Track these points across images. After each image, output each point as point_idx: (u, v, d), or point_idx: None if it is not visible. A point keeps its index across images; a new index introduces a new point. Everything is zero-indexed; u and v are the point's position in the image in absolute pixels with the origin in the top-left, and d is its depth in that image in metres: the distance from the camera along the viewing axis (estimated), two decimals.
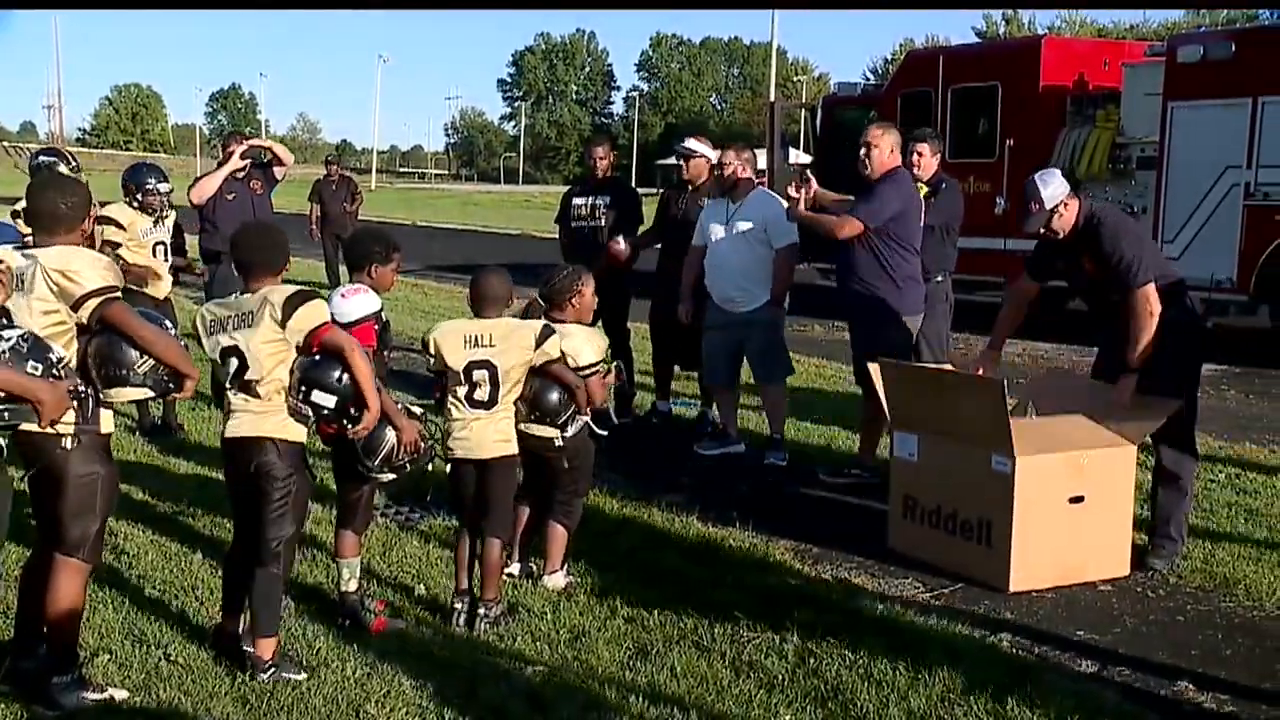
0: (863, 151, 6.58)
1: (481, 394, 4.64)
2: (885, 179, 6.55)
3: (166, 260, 7.66)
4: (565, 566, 5.14)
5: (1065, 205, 5.36)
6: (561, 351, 4.70)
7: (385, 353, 4.69)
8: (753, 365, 7.40)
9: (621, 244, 7.82)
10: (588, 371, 4.86)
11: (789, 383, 7.78)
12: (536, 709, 3.92)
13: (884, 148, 6.57)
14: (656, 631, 4.54)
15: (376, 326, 4.54)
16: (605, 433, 5.19)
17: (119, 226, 7.41)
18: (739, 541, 5.73)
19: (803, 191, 6.62)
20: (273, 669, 4.10)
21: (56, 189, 3.92)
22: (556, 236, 8.72)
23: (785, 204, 6.76)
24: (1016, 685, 4.11)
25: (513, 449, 4.71)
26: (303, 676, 4.10)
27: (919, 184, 6.86)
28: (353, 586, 4.67)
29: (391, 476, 4.56)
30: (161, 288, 7.64)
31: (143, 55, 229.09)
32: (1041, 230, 5.42)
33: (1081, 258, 5.44)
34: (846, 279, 6.70)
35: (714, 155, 7.78)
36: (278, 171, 8.53)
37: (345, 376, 4.06)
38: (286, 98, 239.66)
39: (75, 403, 3.38)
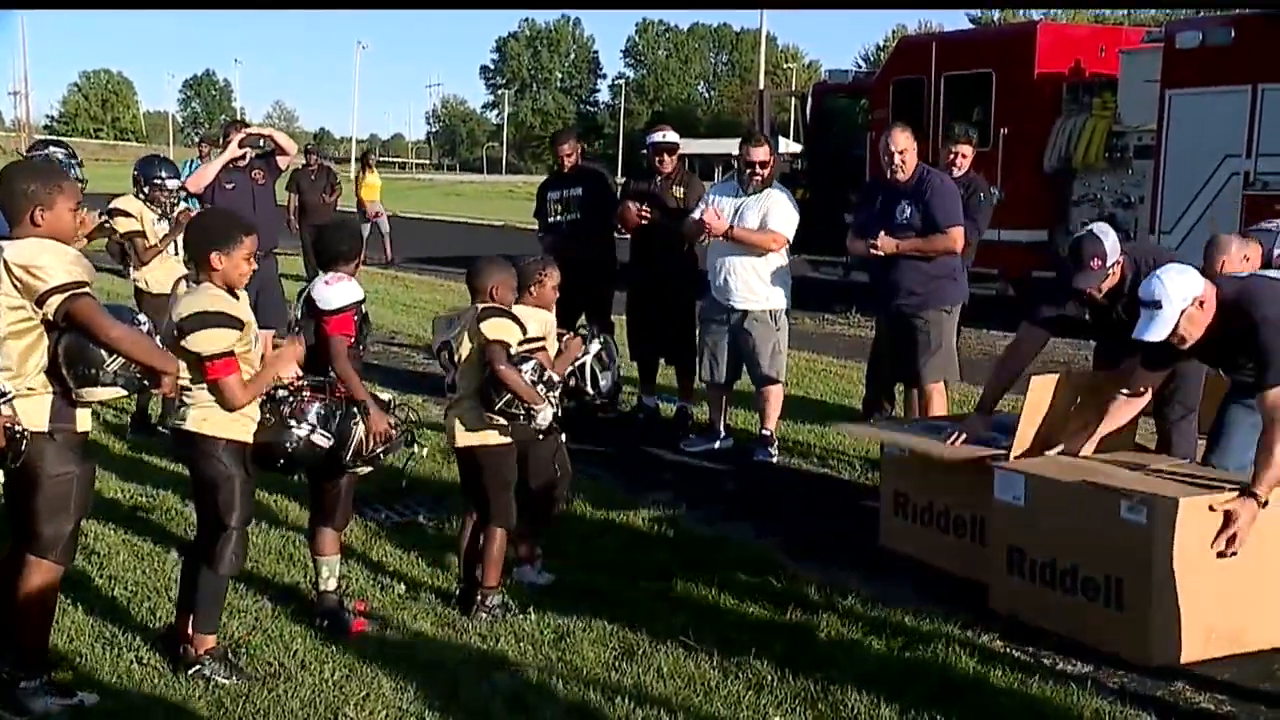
0: (896, 160, 6.71)
1: (449, 377, 4.77)
2: (932, 180, 6.79)
3: (177, 254, 7.66)
4: (538, 563, 5.19)
5: (1119, 264, 5.11)
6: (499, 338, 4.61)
7: (361, 345, 4.71)
8: (749, 366, 7.41)
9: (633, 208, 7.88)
10: (531, 345, 4.85)
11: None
12: (520, 711, 3.91)
13: (912, 150, 6.77)
14: (643, 631, 4.54)
15: (356, 318, 4.55)
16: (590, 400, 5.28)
17: (128, 216, 7.44)
18: (727, 540, 5.73)
19: (886, 241, 6.68)
20: (197, 666, 4.09)
21: (4, 178, 3.80)
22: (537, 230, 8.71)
23: (876, 250, 6.73)
24: (1009, 685, 4.14)
25: (477, 440, 4.72)
26: (228, 681, 4.06)
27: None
28: (331, 585, 4.66)
29: (368, 469, 4.58)
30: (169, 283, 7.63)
31: (112, 40, 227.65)
32: (1087, 290, 5.09)
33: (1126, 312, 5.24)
34: (900, 282, 6.73)
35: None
36: (281, 161, 8.37)
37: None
38: (262, 85, 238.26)
39: (4, 440, 3.37)
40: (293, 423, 4.19)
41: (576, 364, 5.33)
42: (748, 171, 7.28)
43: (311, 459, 4.30)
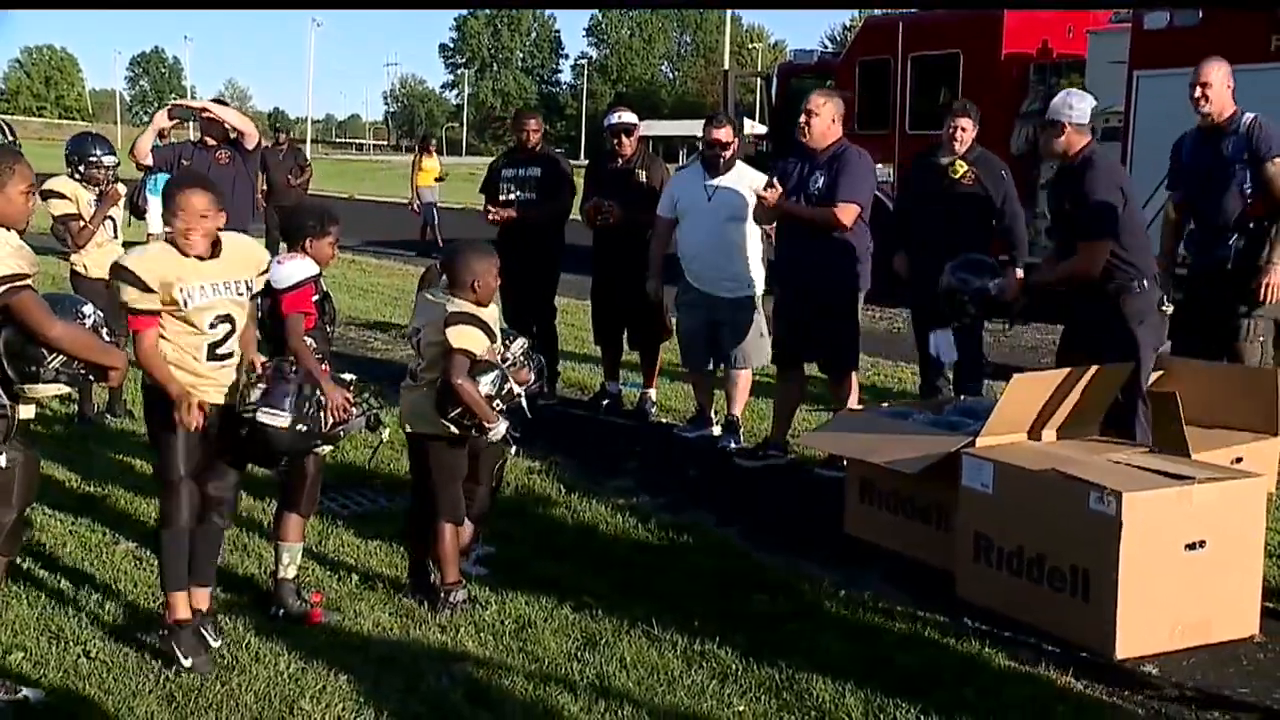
0: (802, 119, 6.62)
1: (414, 363, 4.75)
2: (848, 154, 6.64)
3: (116, 237, 7.52)
4: (473, 555, 5.15)
5: (1064, 129, 5.55)
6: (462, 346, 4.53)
7: (328, 326, 4.69)
8: (726, 348, 7.40)
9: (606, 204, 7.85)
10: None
11: None
12: (480, 703, 3.91)
13: (825, 116, 6.63)
14: (605, 621, 4.55)
15: (316, 295, 4.54)
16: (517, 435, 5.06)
17: (62, 198, 7.30)
18: (690, 528, 5.74)
19: (772, 191, 6.55)
20: (164, 633, 4.15)
21: None
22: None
23: (762, 198, 6.63)
24: (974, 673, 4.17)
25: (428, 428, 4.66)
26: (187, 660, 4.06)
27: (956, 160, 6.87)
28: (290, 574, 4.63)
29: (329, 448, 4.56)
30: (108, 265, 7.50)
31: (56, 15, 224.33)
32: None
33: (1063, 196, 5.65)
34: (815, 260, 6.62)
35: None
36: (248, 143, 7.90)
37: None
38: (214, 63, 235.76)
39: None
40: (253, 394, 4.14)
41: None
42: (711, 153, 7.24)
43: (291, 445, 4.22)
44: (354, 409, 4.50)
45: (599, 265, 8.21)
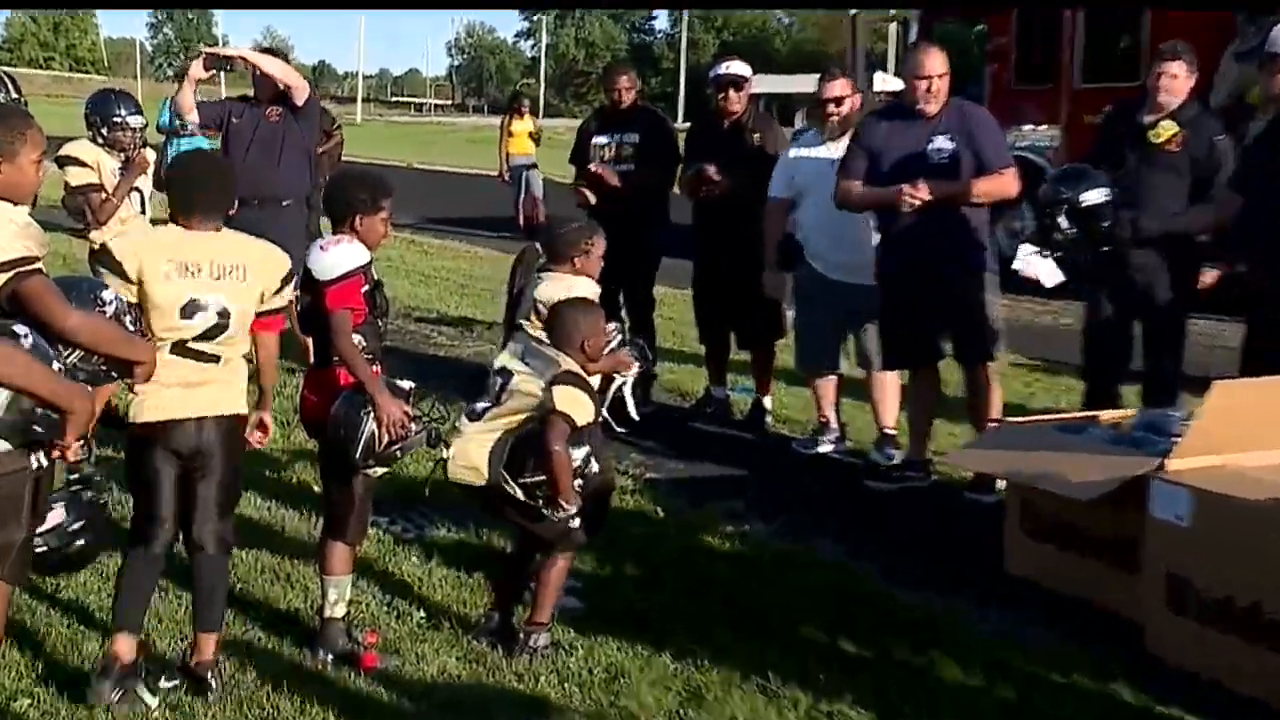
0: (930, 86, 6.52)
1: (484, 402, 4.68)
2: (976, 111, 6.82)
3: (144, 211, 7.67)
4: None
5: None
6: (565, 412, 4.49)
7: (380, 320, 4.69)
8: (863, 344, 7.35)
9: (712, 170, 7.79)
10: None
11: None
12: None
13: (948, 77, 6.60)
14: (711, 672, 4.53)
15: (366, 286, 4.53)
16: (623, 429, 5.32)
17: (82, 165, 7.45)
18: (814, 558, 5.72)
19: (922, 187, 6.42)
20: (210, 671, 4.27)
21: None
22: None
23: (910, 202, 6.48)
24: None
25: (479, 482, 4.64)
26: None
27: (1161, 120, 6.37)
28: (339, 612, 4.67)
29: (383, 470, 4.58)
30: None
31: None
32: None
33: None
34: (942, 235, 6.52)
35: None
36: (295, 97, 8.09)
37: None
38: (248, 10, 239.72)
39: None
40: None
41: (613, 388, 5.21)
42: (825, 112, 7.26)
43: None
44: (413, 424, 4.49)
45: (703, 248, 8.16)
